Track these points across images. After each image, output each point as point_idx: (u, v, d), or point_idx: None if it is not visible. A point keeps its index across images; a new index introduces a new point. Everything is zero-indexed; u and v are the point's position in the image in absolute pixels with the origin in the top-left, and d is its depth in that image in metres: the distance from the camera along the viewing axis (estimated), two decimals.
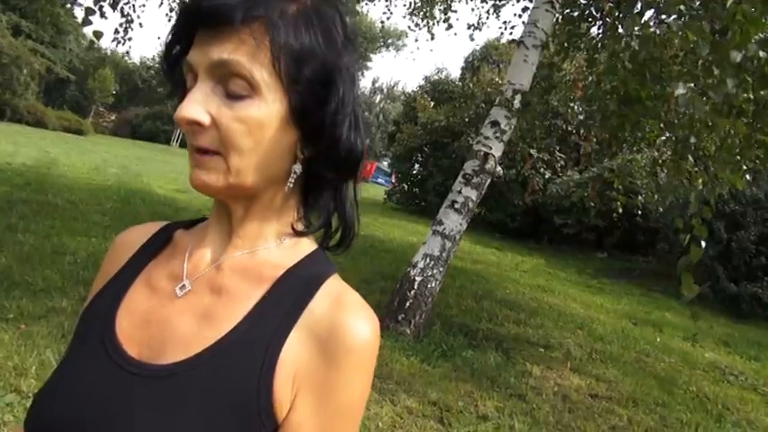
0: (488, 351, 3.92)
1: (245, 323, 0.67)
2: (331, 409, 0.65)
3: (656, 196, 5.78)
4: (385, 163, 31.29)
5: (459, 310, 4.98)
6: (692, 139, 4.13)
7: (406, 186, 14.83)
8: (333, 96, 0.67)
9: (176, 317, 0.69)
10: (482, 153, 4.16)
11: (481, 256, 9.31)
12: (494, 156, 4.18)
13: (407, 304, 3.95)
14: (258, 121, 0.64)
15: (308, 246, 0.74)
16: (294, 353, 0.65)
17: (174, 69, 0.70)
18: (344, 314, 0.67)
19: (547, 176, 10.94)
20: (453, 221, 4.13)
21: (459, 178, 4.22)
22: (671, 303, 7.58)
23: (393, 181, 16.45)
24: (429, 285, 4.03)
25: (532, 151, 7.81)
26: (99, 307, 0.74)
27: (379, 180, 30.47)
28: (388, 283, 5.38)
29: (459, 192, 4.16)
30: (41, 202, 6.31)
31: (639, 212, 6.50)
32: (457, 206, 4.14)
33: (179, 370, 0.65)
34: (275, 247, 0.72)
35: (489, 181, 4.24)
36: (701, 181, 4.47)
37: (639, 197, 6.34)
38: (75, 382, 0.68)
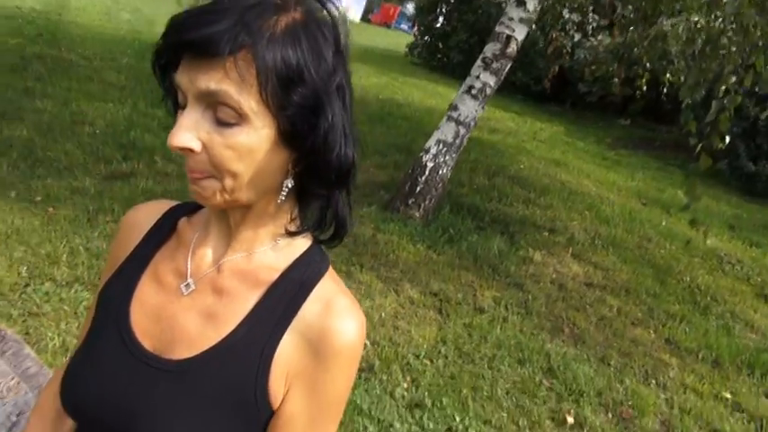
0: (494, 235, 4.08)
1: (243, 325, 0.76)
2: (319, 401, 0.75)
3: (681, 78, 5.52)
4: (410, 6, 29.56)
5: (470, 189, 5.08)
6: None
7: (428, 39, 14.18)
8: (322, 121, 0.68)
9: (183, 314, 0.78)
10: (504, 36, 3.96)
11: (499, 123, 9.18)
12: (516, 39, 3.98)
13: (418, 189, 4.04)
14: (248, 147, 0.67)
15: (302, 244, 0.80)
16: (287, 353, 0.74)
17: (165, 77, 0.72)
18: (332, 319, 0.75)
19: (576, 39, 10.37)
20: (469, 108, 4.07)
21: (478, 62, 4.07)
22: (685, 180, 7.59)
23: (415, 32, 15.69)
24: (440, 171, 4.09)
25: (564, 11, 7.35)
26: (113, 294, 0.83)
27: (402, 26, 29.02)
28: (403, 157, 5.44)
29: (478, 77, 4.04)
30: (56, 59, 6.24)
31: (666, 86, 6.24)
32: (474, 92, 4.05)
33: (188, 366, 0.75)
34: (271, 248, 0.79)
35: (509, 66, 4.09)
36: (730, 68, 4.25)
37: (668, 75, 6.05)
38: (96, 369, 0.79)
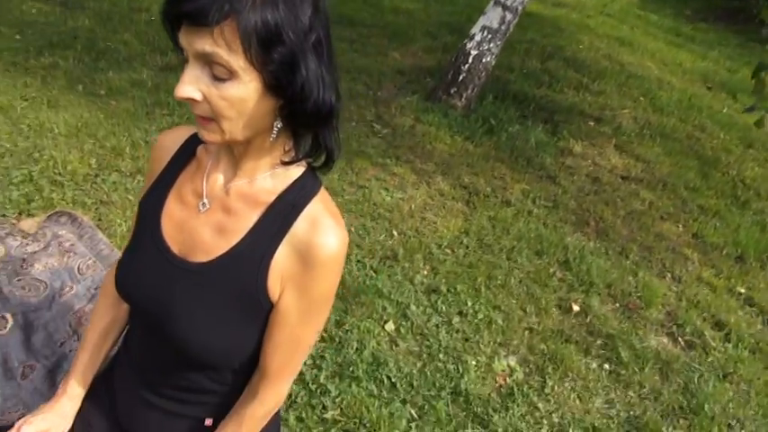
0: (536, 125, 4.10)
1: (246, 238, 0.99)
2: (307, 299, 1.00)
3: None
4: None
5: (519, 75, 4.99)
6: None
7: None
8: (298, 75, 0.84)
9: (200, 227, 1.03)
10: None
11: None
12: None
13: (460, 78, 4.05)
14: (239, 97, 0.85)
15: (296, 171, 1.01)
16: (281, 261, 0.98)
17: (174, 34, 0.89)
18: (318, 236, 0.97)
19: None
20: None
21: None
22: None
23: None
24: (484, 60, 4.05)
25: None
26: (148, 206, 1.08)
27: None
28: (454, 39, 5.33)
29: None
30: None
31: None
32: None
33: (204, 269, 1.00)
34: (269, 176, 1.00)
35: None
36: None
37: None
38: (137, 265, 1.06)
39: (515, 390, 2.07)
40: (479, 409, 1.96)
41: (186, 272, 1.00)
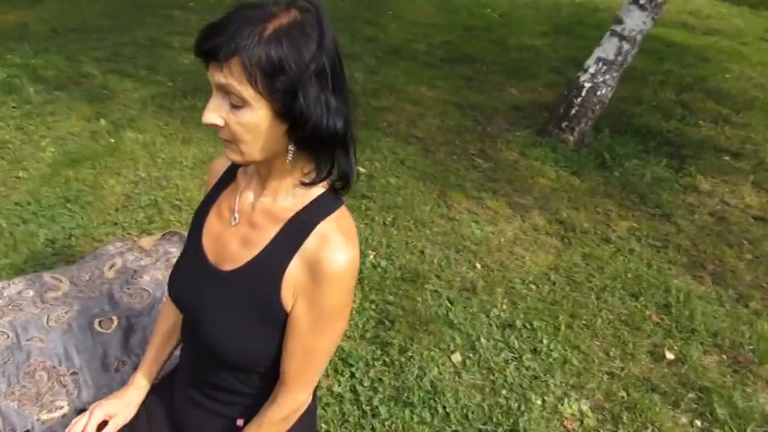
0: (658, 160, 3.83)
1: (265, 251, 1.11)
2: (317, 311, 1.08)
3: None
4: None
5: (648, 107, 4.71)
6: None
7: None
8: (297, 101, 0.94)
9: (230, 239, 1.17)
10: None
11: (722, 21, 7.94)
12: None
13: (572, 111, 3.93)
14: (253, 123, 0.98)
15: (316, 191, 1.12)
16: (294, 274, 1.08)
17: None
18: (326, 251, 1.06)
19: None
20: (635, 20, 3.74)
21: None
22: None
23: None
24: (599, 92, 3.90)
25: None
26: (196, 220, 1.25)
27: None
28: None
29: None
30: None
31: None
32: (642, 1, 3.70)
33: (230, 276, 1.14)
34: (290, 195, 1.12)
35: None
36: None
37: None
38: (183, 273, 1.23)
39: None
40: None
41: (216, 278, 1.14)
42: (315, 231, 1.06)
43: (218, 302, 1.14)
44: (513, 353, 2.24)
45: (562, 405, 2.05)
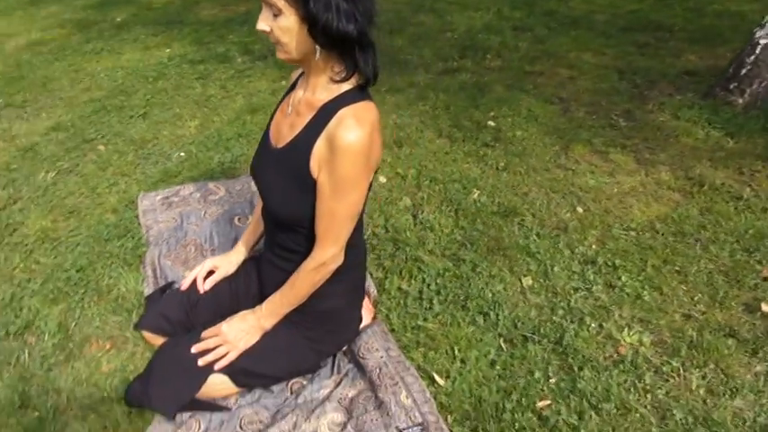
0: None
1: (302, 132, 1.51)
2: (334, 178, 1.45)
3: None
4: None
5: None
6: None
7: None
8: (310, 6, 1.30)
9: (284, 124, 1.60)
10: None
11: None
12: None
13: (743, 71, 3.57)
14: (286, 27, 1.38)
15: (345, 86, 1.49)
16: (319, 148, 1.46)
17: None
18: (339, 129, 1.42)
19: None
20: None
21: None
22: None
23: None
24: None
25: None
26: (271, 117, 1.70)
27: None
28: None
29: None
30: None
31: None
32: None
33: (280, 152, 1.56)
34: (325, 90, 1.50)
35: None
36: None
37: None
38: (258, 153, 1.68)
39: (629, 360, 1.95)
40: (574, 361, 1.95)
41: (272, 155, 1.57)
42: (336, 115, 1.41)
43: (272, 173, 1.56)
44: (585, 284, 2.29)
45: (620, 333, 2.06)
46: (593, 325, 2.09)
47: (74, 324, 2.15)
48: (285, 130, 1.57)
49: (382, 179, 2.97)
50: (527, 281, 2.31)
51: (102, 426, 1.75)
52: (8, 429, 1.76)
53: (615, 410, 1.78)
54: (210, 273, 1.92)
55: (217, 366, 1.63)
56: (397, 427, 1.62)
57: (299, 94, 1.58)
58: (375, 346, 1.92)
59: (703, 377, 1.89)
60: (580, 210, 2.72)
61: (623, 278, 2.29)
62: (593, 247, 2.48)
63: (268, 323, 1.67)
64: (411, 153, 3.22)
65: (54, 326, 2.14)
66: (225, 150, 3.35)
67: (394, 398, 1.71)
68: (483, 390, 1.83)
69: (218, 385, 1.66)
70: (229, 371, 1.64)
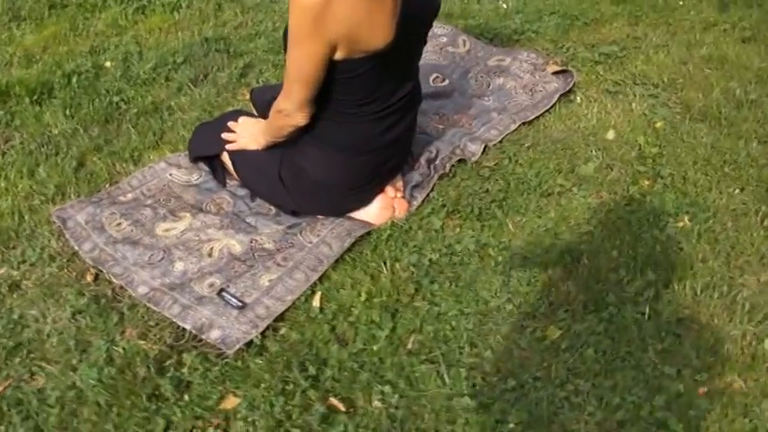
0: None
1: None
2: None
3: None
4: None
5: None
6: None
7: None
8: None
9: None
10: None
11: None
12: None
13: None
14: None
15: None
16: None
17: None
18: None
19: None
20: None
21: None
22: None
23: None
24: None
25: None
26: None
27: None
28: None
29: None
30: None
31: None
32: None
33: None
34: None
35: None
36: None
37: None
38: None
39: None
40: None
41: None
42: None
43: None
44: None
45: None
46: None
47: None
48: None
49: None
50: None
51: None
52: None
53: None
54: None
55: (227, 146, 1.89)
56: (223, 289, 1.63)
57: None
58: (323, 236, 1.81)
59: None
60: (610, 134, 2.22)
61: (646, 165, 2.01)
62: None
63: (263, 139, 1.80)
64: None
65: None
66: None
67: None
68: None
69: (227, 161, 1.93)
70: (230, 155, 1.90)
